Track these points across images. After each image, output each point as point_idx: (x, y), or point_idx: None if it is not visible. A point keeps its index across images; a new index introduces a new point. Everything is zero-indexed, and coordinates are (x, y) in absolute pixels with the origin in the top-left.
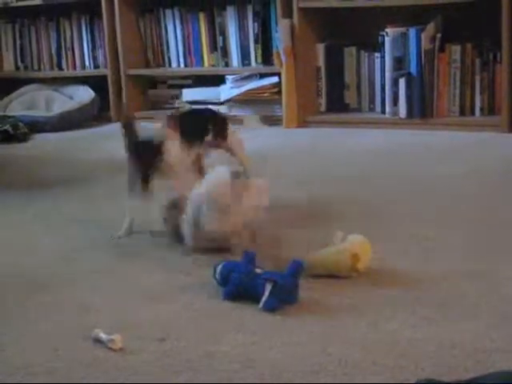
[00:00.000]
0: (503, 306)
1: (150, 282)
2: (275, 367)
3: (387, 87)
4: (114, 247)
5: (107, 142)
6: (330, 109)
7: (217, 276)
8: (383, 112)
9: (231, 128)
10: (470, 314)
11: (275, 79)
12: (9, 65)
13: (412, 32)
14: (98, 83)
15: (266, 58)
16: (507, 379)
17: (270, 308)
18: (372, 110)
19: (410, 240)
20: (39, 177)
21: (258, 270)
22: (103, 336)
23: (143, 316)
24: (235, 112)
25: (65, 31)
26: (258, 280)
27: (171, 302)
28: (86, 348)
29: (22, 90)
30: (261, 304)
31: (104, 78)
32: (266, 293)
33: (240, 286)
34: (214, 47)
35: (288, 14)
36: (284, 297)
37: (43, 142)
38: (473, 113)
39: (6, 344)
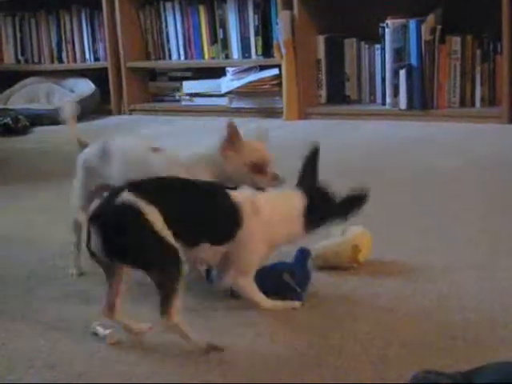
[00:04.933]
0: (504, 297)
1: None
2: (278, 360)
3: (387, 79)
4: None
5: (108, 134)
6: (331, 101)
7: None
8: (384, 103)
9: None
10: (471, 305)
11: (275, 71)
12: (9, 58)
13: (412, 23)
14: (98, 76)
15: (267, 50)
16: (506, 370)
17: (304, 299)
18: (372, 101)
19: (410, 231)
20: (40, 170)
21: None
22: (100, 330)
23: (145, 308)
24: (236, 104)
25: (65, 24)
26: (271, 273)
27: None
28: (85, 341)
29: (23, 83)
30: (294, 298)
31: (104, 70)
32: (292, 285)
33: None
34: (214, 39)
35: (288, 5)
36: (304, 285)
37: (44, 134)
38: (473, 104)
39: (7, 338)
